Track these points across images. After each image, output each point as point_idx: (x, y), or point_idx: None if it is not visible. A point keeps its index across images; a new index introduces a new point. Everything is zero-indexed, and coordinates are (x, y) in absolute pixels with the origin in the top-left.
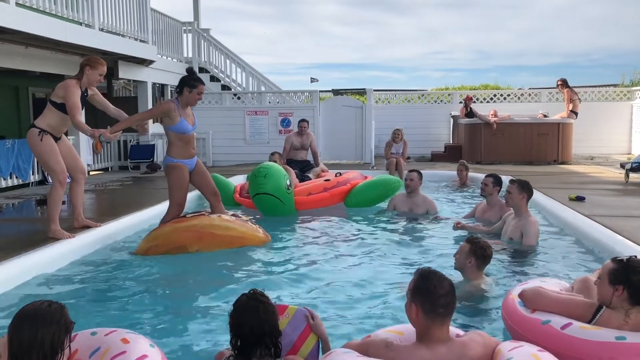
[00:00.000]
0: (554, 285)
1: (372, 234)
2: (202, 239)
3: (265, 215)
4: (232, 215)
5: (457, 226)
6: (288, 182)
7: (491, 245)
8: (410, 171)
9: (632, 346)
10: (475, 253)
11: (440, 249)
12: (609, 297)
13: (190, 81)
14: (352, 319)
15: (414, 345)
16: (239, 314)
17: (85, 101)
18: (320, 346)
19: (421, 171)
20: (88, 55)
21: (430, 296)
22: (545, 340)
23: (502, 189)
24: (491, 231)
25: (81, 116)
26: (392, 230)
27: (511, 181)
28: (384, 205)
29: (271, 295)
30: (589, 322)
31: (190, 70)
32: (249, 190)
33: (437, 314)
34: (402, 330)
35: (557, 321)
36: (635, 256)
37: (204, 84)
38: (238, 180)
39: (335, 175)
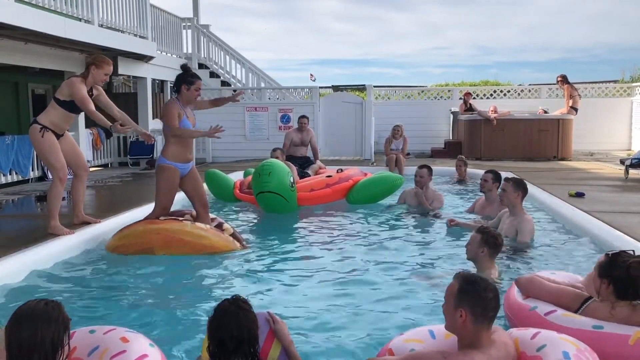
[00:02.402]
0: (563, 278)
1: (376, 230)
2: (171, 244)
3: (267, 212)
4: (217, 224)
5: (451, 224)
6: (292, 179)
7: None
8: (420, 167)
9: (608, 335)
10: (487, 242)
11: (446, 243)
12: (598, 289)
13: (187, 78)
14: (360, 320)
15: (469, 352)
16: (219, 319)
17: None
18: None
19: (431, 166)
20: (94, 54)
21: (480, 301)
22: (530, 324)
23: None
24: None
25: (94, 106)
26: (396, 227)
27: (506, 179)
28: (386, 201)
29: (271, 296)
30: (576, 311)
31: (185, 67)
32: (252, 188)
33: (486, 318)
34: (420, 337)
35: (543, 308)
36: (633, 251)
37: (200, 79)
38: (235, 177)
39: (337, 172)
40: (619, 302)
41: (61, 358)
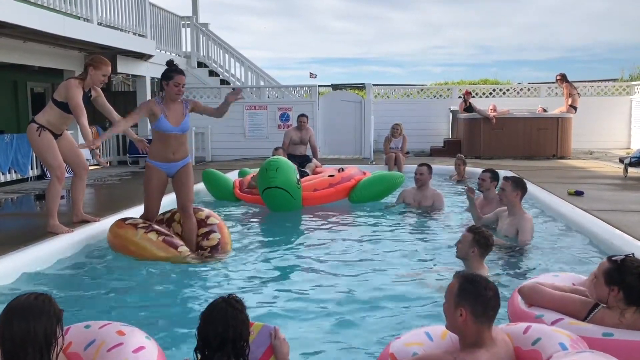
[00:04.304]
0: (567, 281)
1: (375, 230)
2: (122, 251)
3: (272, 211)
4: (208, 230)
5: (469, 192)
6: (297, 177)
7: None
8: (420, 165)
9: (618, 343)
10: (479, 242)
11: (444, 243)
12: (605, 296)
13: (167, 73)
14: (356, 323)
15: (476, 351)
16: (207, 315)
17: (88, 101)
18: None
19: (431, 165)
20: (93, 55)
21: (481, 299)
22: None
23: (499, 184)
24: (482, 219)
25: (86, 118)
26: (395, 227)
27: (505, 178)
28: (385, 201)
29: (269, 296)
30: (584, 319)
31: (169, 63)
32: (258, 185)
33: (487, 317)
34: (419, 340)
35: (549, 316)
36: (632, 254)
37: (182, 74)
38: (234, 176)
39: (339, 171)
40: (628, 308)
41: (55, 350)
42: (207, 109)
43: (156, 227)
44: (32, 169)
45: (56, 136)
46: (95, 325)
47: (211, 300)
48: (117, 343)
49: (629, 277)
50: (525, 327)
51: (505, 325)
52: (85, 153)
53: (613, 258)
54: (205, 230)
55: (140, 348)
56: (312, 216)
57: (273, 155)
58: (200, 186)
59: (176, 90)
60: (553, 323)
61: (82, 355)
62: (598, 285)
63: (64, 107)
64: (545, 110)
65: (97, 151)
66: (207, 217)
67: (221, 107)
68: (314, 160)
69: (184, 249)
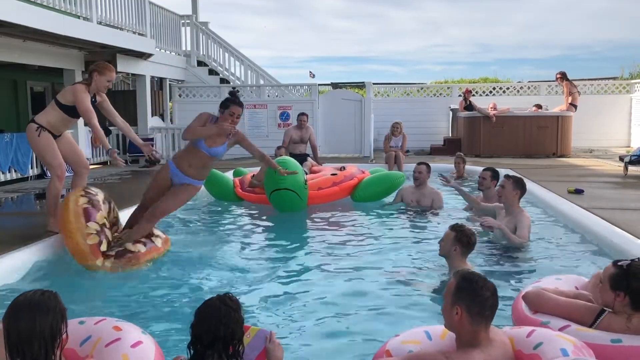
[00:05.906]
0: (570, 283)
1: (374, 229)
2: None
3: (279, 212)
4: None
5: (443, 180)
6: (305, 177)
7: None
8: (419, 164)
9: (627, 349)
10: (461, 241)
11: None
12: (611, 302)
13: (225, 101)
14: (355, 322)
15: (470, 351)
16: (201, 311)
17: (94, 107)
18: None
19: (429, 164)
20: (97, 62)
21: (478, 299)
22: None
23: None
24: (482, 208)
25: (96, 120)
26: (394, 226)
27: (506, 176)
28: (386, 198)
29: (266, 296)
30: (590, 326)
31: (231, 93)
32: (265, 186)
33: (483, 317)
34: (417, 338)
35: (556, 323)
36: (638, 259)
37: (240, 105)
38: (232, 175)
39: (341, 169)
40: (635, 313)
41: (60, 346)
42: (254, 149)
43: (97, 202)
44: (32, 168)
45: (55, 136)
46: (90, 321)
47: (207, 298)
48: (114, 338)
49: (635, 283)
50: (529, 331)
51: (509, 328)
52: (86, 152)
53: (619, 263)
54: (144, 239)
55: (138, 343)
56: (313, 215)
57: (276, 154)
58: None
59: (230, 119)
60: (560, 330)
61: (77, 351)
62: (603, 291)
63: (69, 110)
64: (539, 107)
65: (115, 153)
66: (157, 235)
67: (267, 162)
68: (309, 159)
69: (94, 225)
